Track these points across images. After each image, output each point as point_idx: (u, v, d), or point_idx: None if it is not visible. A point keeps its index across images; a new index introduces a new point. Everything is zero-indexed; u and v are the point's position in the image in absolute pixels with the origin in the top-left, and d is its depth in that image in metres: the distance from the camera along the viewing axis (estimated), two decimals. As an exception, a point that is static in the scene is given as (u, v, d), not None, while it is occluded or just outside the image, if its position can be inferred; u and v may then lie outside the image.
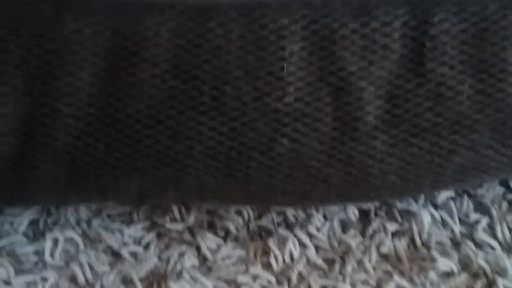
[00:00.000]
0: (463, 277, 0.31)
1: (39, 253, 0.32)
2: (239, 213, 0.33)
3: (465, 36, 0.26)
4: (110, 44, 0.26)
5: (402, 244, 0.32)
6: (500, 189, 0.33)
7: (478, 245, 0.32)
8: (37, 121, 0.26)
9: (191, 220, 0.33)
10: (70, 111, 0.26)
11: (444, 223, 0.32)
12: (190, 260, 0.31)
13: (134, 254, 0.32)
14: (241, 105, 0.26)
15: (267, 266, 0.31)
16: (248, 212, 0.33)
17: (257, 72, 0.25)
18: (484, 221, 0.32)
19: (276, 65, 0.25)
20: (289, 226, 0.32)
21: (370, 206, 0.33)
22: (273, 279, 0.31)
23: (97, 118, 0.26)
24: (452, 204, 0.33)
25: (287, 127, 0.26)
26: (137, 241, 0.32)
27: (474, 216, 0.33)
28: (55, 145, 0.26)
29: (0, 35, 0.25)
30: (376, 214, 0.33)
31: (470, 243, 0.32)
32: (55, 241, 0.32)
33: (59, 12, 0.25)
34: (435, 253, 0.31)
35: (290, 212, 0.33)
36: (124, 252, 0.32)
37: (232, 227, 0.32)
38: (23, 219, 0.33)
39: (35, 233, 0.32)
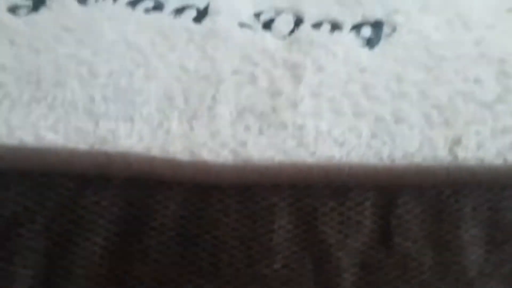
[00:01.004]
0: None
1: None
2: None
3: (425, 215, 0.30)
4: (124, 213, 0.29)
5: None
6: None
7: None
8: (51, 281, 0.29)
9: None
10: (83, 272, 0.29)
11: None
12: None
13: None
14: (234, 271, 0.29)
15: None
16: None
17: (250, 242, 0.29)
18: None
19: (266, 237, 0.30)
20: None
21: None
22: None
23: (106, 278, 0.29)
24: None
25: (274, 290, 0.30)
26: None
27: None
28: (65, 302, 0.29)
29: (27, 206, 0.29)
30: None
31: None
32: None
33: (81, 186, 0.29)
34: None
35: None
36: None
37: None
38: None
39: None
